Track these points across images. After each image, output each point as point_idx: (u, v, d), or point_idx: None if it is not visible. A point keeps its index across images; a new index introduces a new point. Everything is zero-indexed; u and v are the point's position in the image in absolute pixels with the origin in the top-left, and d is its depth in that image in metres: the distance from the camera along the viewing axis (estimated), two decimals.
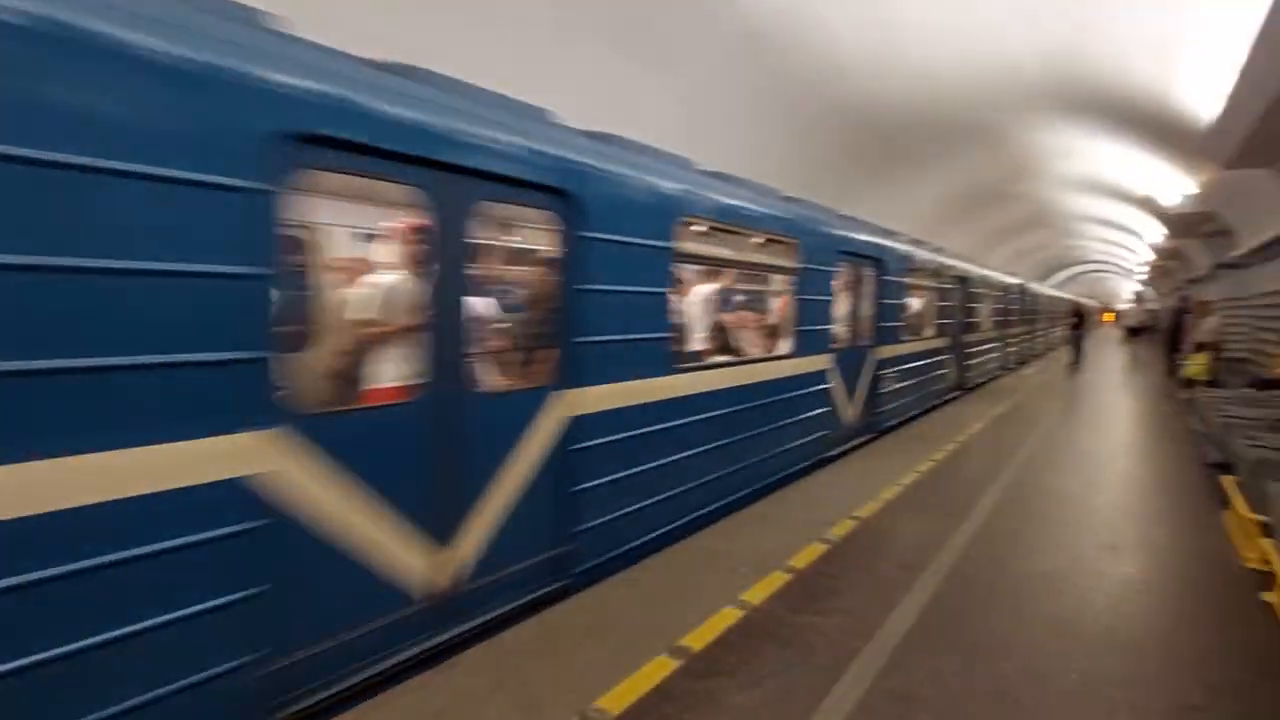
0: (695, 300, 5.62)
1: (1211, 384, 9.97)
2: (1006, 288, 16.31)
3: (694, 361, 4.98)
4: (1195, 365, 10.73)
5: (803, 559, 4.15)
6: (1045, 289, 28.61)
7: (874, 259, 7.64)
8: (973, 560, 4.24)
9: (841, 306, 7.04)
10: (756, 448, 5.36)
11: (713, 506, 4.87)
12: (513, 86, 3.69)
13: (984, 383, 13.88)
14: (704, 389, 4.69)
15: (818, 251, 6.17)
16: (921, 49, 8.92)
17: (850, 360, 7.15)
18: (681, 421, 4.42)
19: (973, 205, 18.32)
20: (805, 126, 10.44)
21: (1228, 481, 5.43)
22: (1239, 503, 4.84)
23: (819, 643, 3.16)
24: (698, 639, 3.15)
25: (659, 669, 2.89)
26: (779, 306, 6.32)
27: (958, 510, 5.23)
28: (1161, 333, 20.50)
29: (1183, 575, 4.19)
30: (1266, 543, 4.05)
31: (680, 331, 4.91)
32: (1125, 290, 50.90)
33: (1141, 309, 32.34)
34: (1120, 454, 7.68)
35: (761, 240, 5.53)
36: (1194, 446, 7.89)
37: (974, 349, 13.17)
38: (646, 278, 4.08)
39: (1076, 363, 18.18)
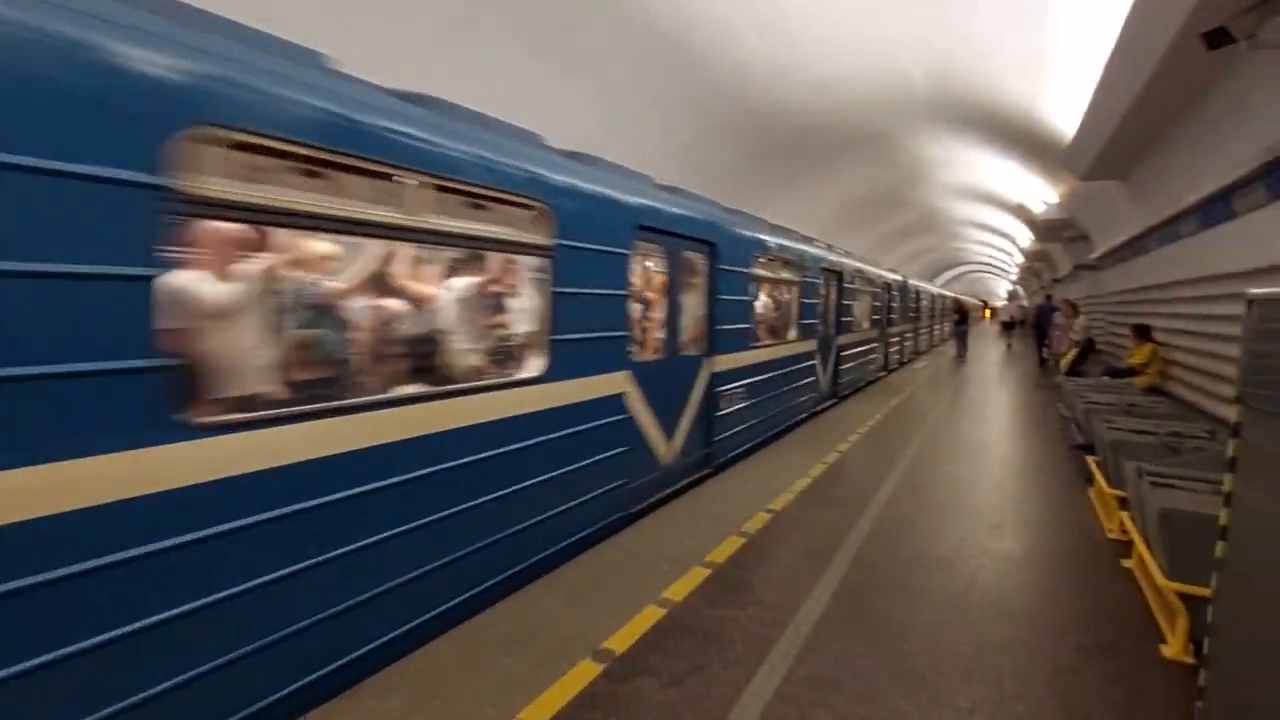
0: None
1: (1075, 373, 11.06)
2: (889, 284, 15.91)
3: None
4: (1068, 359, 12.14)
5: (721, 553, 4.24)
6: (932, 287, 30.59)
7: (706, 243, 6.05)
8: (875, 546, 4.48)
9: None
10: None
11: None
12: (427, 85, 3.55)
13: (865, 386, 13.62)
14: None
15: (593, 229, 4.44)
16: (820, 61, 9.36)
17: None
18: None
19: (869, 210, 19.43)
20: (717, 131, 10.71)
21: (1091, 461, 6.05)
22: (1100, 480, 5.39)
23: (737, 635, 3.24)
24: (620, 641, 3.14)
25: (582, 675, 2.86)
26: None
27: (860, 499, 5.52)
28: (1030, 327, 22.65)
29: (1057, 548, 4.61)
30: (1124, 515, 4.53)
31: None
32: (1002, 289, 55.67)
33: (1015, 306, 35.52)
34: (1001, 440, 8.37)
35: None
36: (1062, 430, 8.73)
37: (850, 351, 11.96)
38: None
39: (961, 356, 19.70)
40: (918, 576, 4.01)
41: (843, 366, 11.42)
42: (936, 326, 28.56)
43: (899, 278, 17.65)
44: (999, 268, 41.94)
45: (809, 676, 2.90)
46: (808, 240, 9.68)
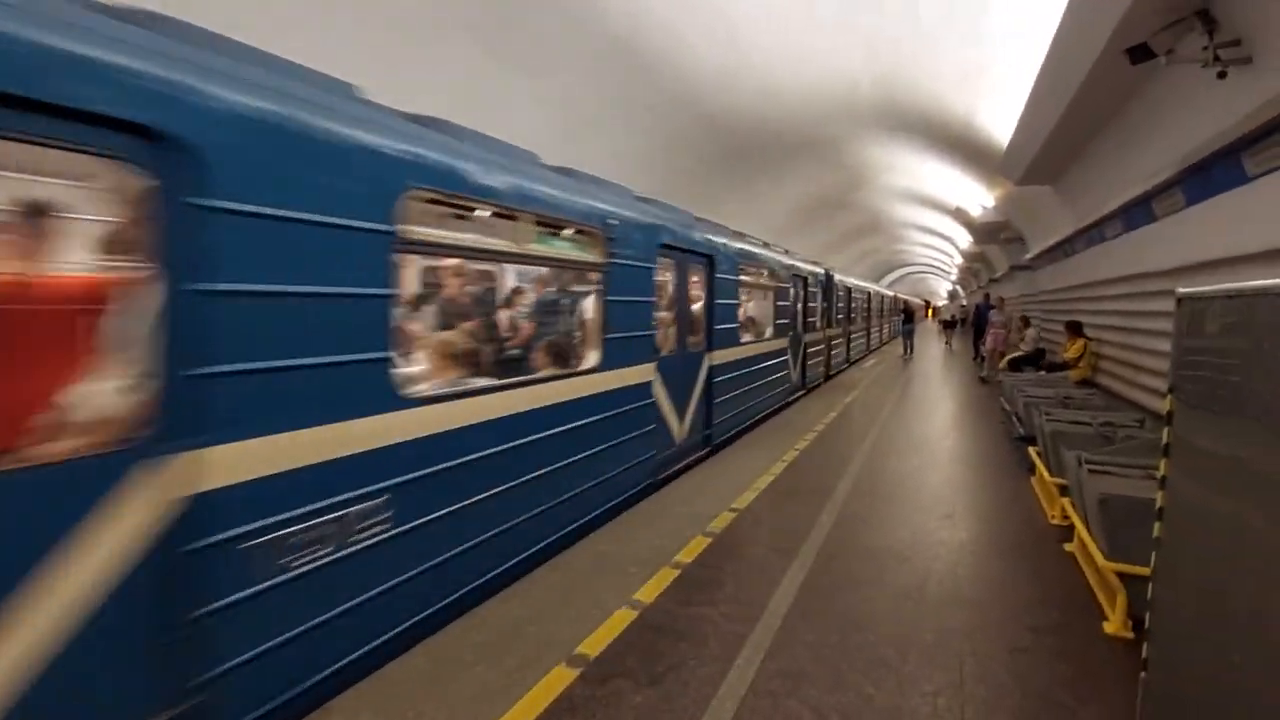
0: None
1: (1015, 369, 11.61)
2: (850, 289, 17.58)
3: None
4: (1003, 364, 12.82)
5: (688, 553, 4.30)
6: (883, 289, 31.72)
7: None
8: (836, 540, 4.62)
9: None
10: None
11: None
12: (380, 86, 3.49)
13: (832, 376, 15.11)
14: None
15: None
16: (768, 68, 9.59)
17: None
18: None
19: (818, 213, 19.94)
20: (671, 135, 10.82)
21: (1032, 451, 6.37)
22: (1041, 469, 5.69)
23: (710, 633, 3.29)
24: (594, 645, 3.16)
25: (558, 680, 2.86)
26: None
27: (820, 495, 5.67)
28: (968, 326, 23.66)
29: (1004, 536, 4.85)
30: (1065, 501, 4.80)
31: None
32: (943, 289, 57.89)
33: (955, 305, 36.92)
34: (947, 434, 8.73)
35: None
36: (1003, 423, 9.16)
37: (815, 348, 13.23)
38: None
39: (908, 354, 20.41)
40: (878, 569, 4.16)
41: (809, 362, 12.61)
42: (886, 324, 29.74)
43: (858, 282, 19.26)
44: (940, 269, 43.61)
45: (781, 669, 2.97)
46: (784, 251, 11.04)
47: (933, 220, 22.63)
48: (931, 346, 25.28)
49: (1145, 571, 2.40)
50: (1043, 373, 10.15)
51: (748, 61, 9.31)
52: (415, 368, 3.61)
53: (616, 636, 3.24)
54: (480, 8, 6.67)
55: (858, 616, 3.50)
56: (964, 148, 11.63)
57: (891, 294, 35.45)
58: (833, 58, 9.32)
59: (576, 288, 5.24)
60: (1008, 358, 12.91)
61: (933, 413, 10.45)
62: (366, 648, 2.88)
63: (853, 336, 18.71)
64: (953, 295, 51.88)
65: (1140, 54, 3.98)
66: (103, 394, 2.08)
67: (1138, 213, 6.64)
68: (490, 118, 7.21)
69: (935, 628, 3.40)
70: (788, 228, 18.43)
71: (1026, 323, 13.83)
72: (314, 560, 2.58)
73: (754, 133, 11.86)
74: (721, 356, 7.44)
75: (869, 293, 22.56)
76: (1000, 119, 9.20)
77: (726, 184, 13.72)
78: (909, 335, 21.26)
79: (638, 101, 9.49)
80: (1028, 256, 13.96)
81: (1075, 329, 9.66)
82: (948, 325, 29.18)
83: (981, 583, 4.00)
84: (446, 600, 3.35)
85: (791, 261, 10.99)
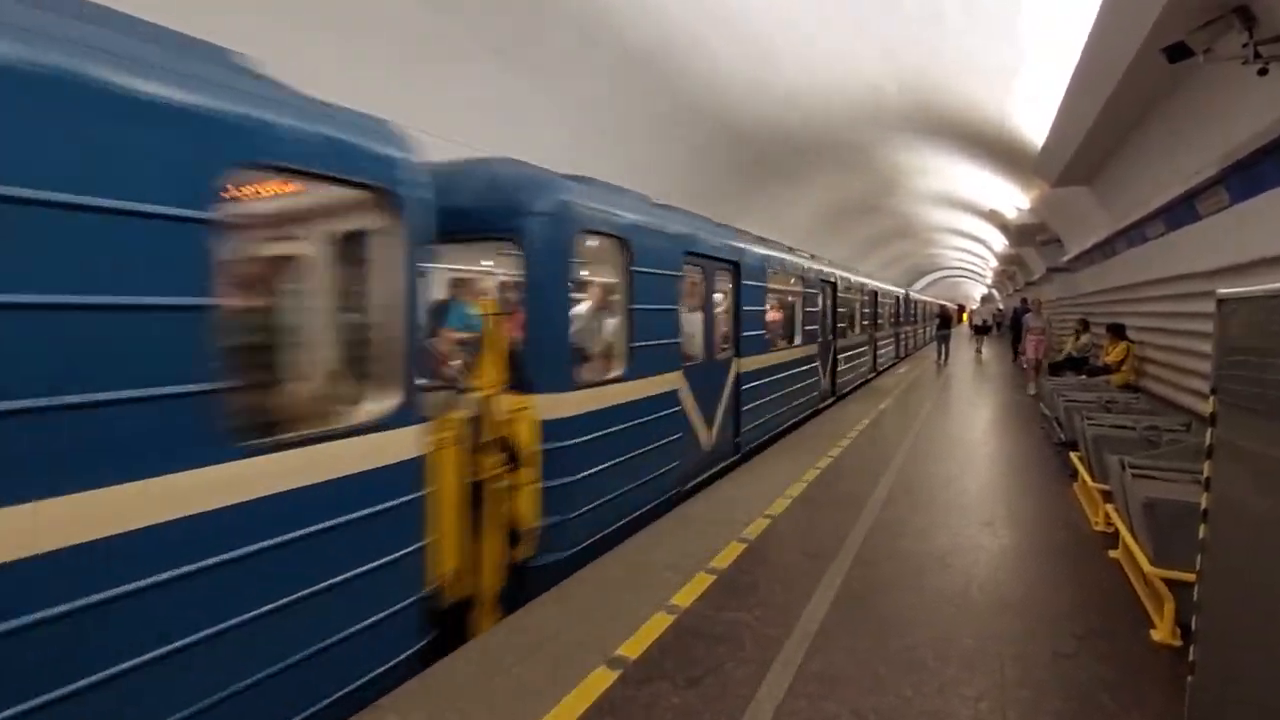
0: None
1: (1055, 373, 11.34)
2: (880, 293, 17.21)
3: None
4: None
5: (724, 559, 4.33)
6: (915, 294, 31.21)
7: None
8: (872, 546, 4.60)
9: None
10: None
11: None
12: (394, 102, 3.63)
13: (865, 382, 14.92)
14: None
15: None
16: (792, 75, 9.63)
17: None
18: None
19: (846, 218, 19.82)
20: (694, 143, 10.92)
21: (1074, 457, 6.24)
22: (1084, 474, 5.58)
23: (747, 636, 3.32)
24: (633, 647, 3.21)
25: (599, 681, 2.92)
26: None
27: (855, 501, 5.64)
28: (1004, 329, 23.05)
29: (1047, 542, 4.77)
30: (1108, 507, 4.70)
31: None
32: (977, 293, 56.73)
33: (989, 308, 35.81)
34: (985, 440, 8.58)
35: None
36: (1043, 428, 8.97)
37: (846, 354, 12.91)
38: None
39: (942, 360, 20.06)
40: (916, 574, 4.13)
41: (840, 368, 12.30)
42: (920, 330, 29.15)
43: (889, 287, 18.91)
44: (975, 272, 42.78)
45: (818, 672, 2.99)
46: (811, 257, 11.01)
47: (966, 223, 22.27)
48: (966, 351, 24.78)
49: (1192, 577, 2.37)
50: (1083, 377, 9.90)
51: (772, 68, 9.36)
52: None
53: (655, 640, 3.29)
54: (501, 29, 6.84)
55: (896, 621, 3.50)
56: (998, 149, 11.47)
57: (925, 299, 34.89)
58: (857, 62, 9.31)
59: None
60: (1048, 362, 12.54)
61: (970, 418, 10.28)
62: None
63: (884, 342, 18.43)
64: (986, 299, 50.73)
65: (1178, 53, 3.93)
66: None
67: (1180, 212, 6.49)
68: (510, 131, 7.40)
69: (976, 632, 3.37)
70: (815, 233, 18.35)
71: (1086, 326, 12.31)
72: None
73: (778, 139, 11.89)
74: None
75: (900, 297, 22.22)
76: (1035, 119, 9.06)
77: (750, 191, 13.75)
78: (944, 341, 20.90)
79: (658, 112, 9.61)
80: (1066, 258, 13.64)
81: (1117, 332, 9.42)
82: (979, 331, 26.38)
83: (1023, 588, 3.95)
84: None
85: (819, 267, 10.87)
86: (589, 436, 4.35)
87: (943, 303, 32.73)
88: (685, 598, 3.76)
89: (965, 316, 52.61)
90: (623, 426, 4.75)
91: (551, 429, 4.02)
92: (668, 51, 8.36)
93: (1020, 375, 15.97)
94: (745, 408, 7.29)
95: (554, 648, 3.21)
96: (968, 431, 9.13)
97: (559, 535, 4.09)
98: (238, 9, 4.96)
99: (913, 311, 27.23)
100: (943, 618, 3.54)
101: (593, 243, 4.63)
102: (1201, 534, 2.21)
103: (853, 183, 16.33)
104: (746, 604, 3.70)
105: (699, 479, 6.21)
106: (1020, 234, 15.88)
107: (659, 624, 3.45)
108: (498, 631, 3.37)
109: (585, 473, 4.32)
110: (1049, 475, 6.64)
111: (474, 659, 3.10)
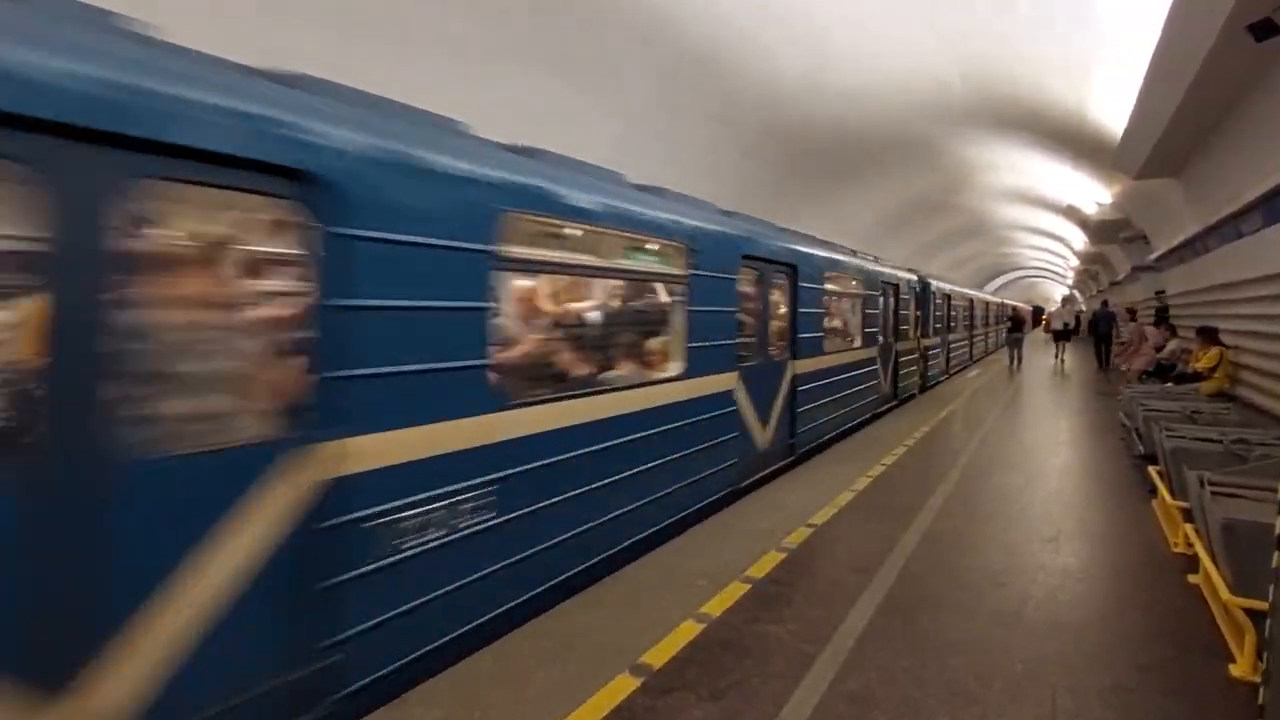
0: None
1: (1142, 380, 10.56)
2: (948, 295, 16.53)
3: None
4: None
5: (760, 568, 4.22)
6: (987, 295, 29.78)
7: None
8: (921, 560, 4.38)
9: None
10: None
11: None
12: (445, 107, 3.71)
13: (929, 387, 14.32)
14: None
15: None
16: (851, 71, 9.34)
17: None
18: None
19: (910, 217, 19.09)
20: (749, 145, 10.76)
21: (1153, 471, 5.77)
22: (1164, 491, 5.14)
23: (777, 650, 3.22)
24: (658, 655, 3.16)
25: (621, 688, 2.89)
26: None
27: (907, 511, 5.40)
28: (1087, 333, 21.48)
29: (1117, 562, 4.42)
30: (1189, 527, 4.31)
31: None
32: (1057, 294, 53.62)
33: (1069, 310, 33.49)
34: (1056, 450, 8.06)
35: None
36: (1123, 439, 8.35)
37: (908, 356, 12.54)
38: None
39: (1014, 365, 19.02)
40: (967, 591, 3.91)
41: (901, 371, 12.03)
42: (991, 333, 27.72)
43: (957, 288, 18.25)
44: (1054, 272, 40.50)
45: (850, 693, 2.86)
46: (872, 258, 10.69)
47: (1043, 220, 21.09)
48: (1042, 356, 23.37)
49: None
50: (1169, 385, 9.17)
51: (830, 65, 9.12)
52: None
53: (681, 649, 3.23)
54: (544, 30, 6.93)
55: (938, 641, 3.31)
56: (1074, 142, 10.81)
57: (997, 300, 33.20)
58: (920, 55, 8.96)
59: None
60: (1136, 369, 11.67)
61: (1040, 427, 9.69)
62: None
63: (952, 346, 17.66)
64: (1067, 299, 47.80)
65: (1263, 30, 3.57)
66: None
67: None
68: (559, 133, 7.48)
69: (1026, 657, 3.15)
70: (877, 234, 17.77)
71: (1173, 331, 11.79)
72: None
73: (836, 137, 11.57)
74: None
75: (970, 299, 21.24)
76: (1114, 109, 8.48)
77: (806, 192, 13.44)
78: (1016, 345, 19.77)
79: (711, 113, 9.51)
80: (1152, 257, 12.71)
81: (1209, 335, 8.68)
82: (1059, 335, 22.42)
83: (1085, 611, 3.67)
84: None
85: (880, 268, 10.65)
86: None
87: (1014, 304, 31.05)
88: (716, 607, 3.67)
89: (1042, 320, 47.02)
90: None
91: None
92: (720, 51, 8.27)
93: (1103, 381, 14.98)
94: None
95: (578, 652, 3.19)
96: (1036, 441, 8.60)
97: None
98: (321, 29, 5.30)
99: (986, 314, 26.02)
100: (991, 640, 3.32)
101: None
102: (1275, 561, 1.98)
103: (917, 180, 15.73)
104: (780, 616, 3.58)
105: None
106: (1101, 230, 14.93)
107: (687, 632, 3.38)
108: (523, 632, 3.39)
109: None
110: (1125, 490, 6.17)
111: (499, 659, 3.13)
